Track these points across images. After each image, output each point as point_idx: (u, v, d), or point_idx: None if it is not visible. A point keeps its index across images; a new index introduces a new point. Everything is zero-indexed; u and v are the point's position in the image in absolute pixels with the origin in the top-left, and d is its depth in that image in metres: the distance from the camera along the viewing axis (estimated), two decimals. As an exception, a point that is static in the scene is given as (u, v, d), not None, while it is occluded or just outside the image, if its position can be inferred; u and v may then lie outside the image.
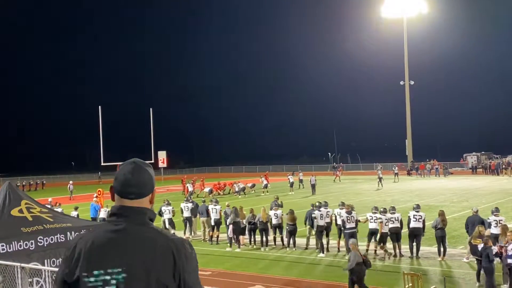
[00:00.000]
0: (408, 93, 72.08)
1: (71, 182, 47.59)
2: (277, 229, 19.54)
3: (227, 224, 19.93)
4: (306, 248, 18.67)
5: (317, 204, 19.27)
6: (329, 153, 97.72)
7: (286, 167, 75.99)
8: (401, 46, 72.77)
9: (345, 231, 17.14)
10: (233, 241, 19.59)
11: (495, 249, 12.99)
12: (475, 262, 13.94)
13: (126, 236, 2.37)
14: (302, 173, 50.04)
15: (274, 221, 19.36)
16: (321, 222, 18.20)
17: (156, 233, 2.43)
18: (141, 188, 2.47)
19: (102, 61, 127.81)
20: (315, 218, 18.30)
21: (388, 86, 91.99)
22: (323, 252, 17.88)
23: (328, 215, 18.63)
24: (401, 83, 72.74)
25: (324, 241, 18.33)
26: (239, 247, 19.45)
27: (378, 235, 17.19)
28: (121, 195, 2.46)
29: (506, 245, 12.77)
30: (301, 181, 46.27)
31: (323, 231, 18.27)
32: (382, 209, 17.66)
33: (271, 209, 20.21)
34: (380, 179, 45.25)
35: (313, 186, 39.82)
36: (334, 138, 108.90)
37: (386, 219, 17.07)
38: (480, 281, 13.66)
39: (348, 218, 17.11)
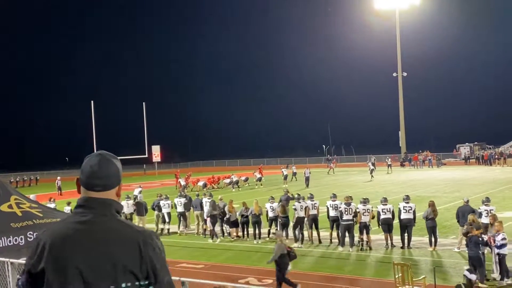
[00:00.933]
0: (401, 85, 72.24)
1: (59, 178, 47.38)
2: (273, 222, 19.60)
3: (205, 217, 20.39)
4: (311, 241, 18.72)
5: (296, 196, 19.45)
6: (324, 146, 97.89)
7: (281, 160, 76.08)
8: (394, 37, 72.86)
9: (342, 223, 17.22)
10: (214, 233, 20.05)
11: (485, 238, 13.12)
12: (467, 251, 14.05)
13: (92, 227, 2.38)
14: (295, 166, 50.08)
15: (270, 214, 19.40)
16: (301, 214, 18.38)
17: (122, 225, 2.44)
18: (107, 180, 2.47)
19: (94, 54, 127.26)
20: (295, 209, 18.49)
21: (381, 78, 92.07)
22: (301, 243, 18.25)
23: (315, 207, 18.71)
24: (394, 74, 72.90)
25: (314, 232, 18.51)
26: (212, 238, 19.97)
27: (358, 225, 17.37)
28: (87, 187, 2.47)
29: (496, 234, 12.89)
30: (294, 174, 46.29)
31: (303, 222, 18.43)
32: (361, 199, 17.80)
33: (280, 202, 19.98)
34: (371, 170, 45.36)
35: (307, 179, 39.87)
36: (329, 131, 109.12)
37: (363, 209, 17.20)
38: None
39: (347, 210, 17.15)
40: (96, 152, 2.55)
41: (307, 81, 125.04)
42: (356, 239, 17.60)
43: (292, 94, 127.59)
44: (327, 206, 18.67)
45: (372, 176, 44.57)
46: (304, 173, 40.63)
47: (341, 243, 17.34)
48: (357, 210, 17.39)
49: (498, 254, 12.66)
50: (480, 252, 12.63)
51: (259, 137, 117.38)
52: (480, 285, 12.44)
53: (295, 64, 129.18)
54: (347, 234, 17.28)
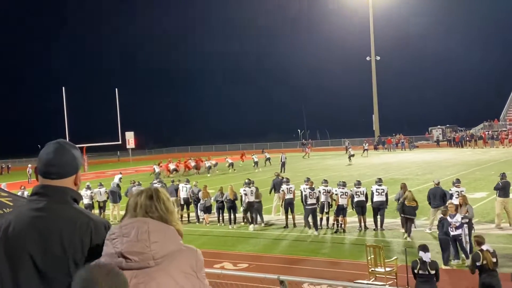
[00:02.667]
0: (374, 69, 72.76)
1: (29, 165, 46.59)
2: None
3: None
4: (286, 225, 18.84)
5: (246, 181, 19.55)
6: (299, 130, 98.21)
7: (256, 145, 76.17)
8: (367, 21, 73.19)
9: (306, 207, 17.43)
10: None
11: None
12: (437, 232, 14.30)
13: (46, 214, 2.37)
14: (265, 150, 49.94)
15: (244, 198, 19.38)
16: (251, 198, 18.72)
17: (76, 212, 2.43)
18: (62, 168, 2.46)
19: (66, 40, 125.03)
20: (245, 194, 18.84)
21: (355, 62, 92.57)
22: (255, 225, 18.72)
23: (290, 191, 18.82)
24: (367, 58, 73.34)
25: (290, 216, 18.68)
26: None
27: (335, 207, 17.65)
28: (43, 175, 2.46)
29: (452, 215, 13.13)
30: (268, 159, 46.09)
31: (253, 206, 18.70)
32: (342, 183, 18.03)
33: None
34: (350, 156, 45.01)
35: (283, 164, 39.83)
36: (303, 115, 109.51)
37: (341, 192, 17.46)
38: (406, 232, 15.66)
39: (311, 194, 17.36)
40: (54, 140, 2.53)
41: (281, 65, 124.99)
42: (331, 221, 17.87)
43: (266, 79, 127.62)
44: (300, 190, 18.76)
45: (350, 159, 44.26)
46: (281, 158, 40.58)
47: (314, 226, 17.49)
48: (335, 193, 17.67)
49: (453, 236, 12.93)
50: (449, 235, 12.90)
51: (234, 122, 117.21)
52: (442, 266, 12.73)
53: (268, 47, 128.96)
54: (315, 216, 17.56)
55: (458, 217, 12.99)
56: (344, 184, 17.83)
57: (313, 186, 17.72)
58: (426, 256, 9.53)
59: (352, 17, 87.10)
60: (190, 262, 2.31)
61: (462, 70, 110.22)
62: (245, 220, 19.51)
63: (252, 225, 18.80)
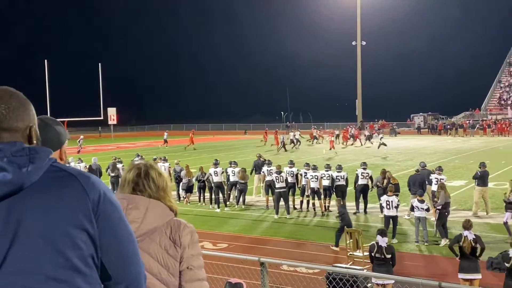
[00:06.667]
0: (359, 54, 72.80)
1: None
2: (233, 187, 19.67)
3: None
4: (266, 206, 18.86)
5: (214, 161, 19.58)
6: (282, 112, 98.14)
7: (239, 126, 76.07)
8: (354, 5, 72.98)
9: (275, 190, 17.51)
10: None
11: (426, 205, 13.88)
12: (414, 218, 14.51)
13: None
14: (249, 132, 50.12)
15: (231, 179, 19.37)
16: (216, 179, 18.79)
17: None
18: (46, 144, 2.34)
19: (49, 13, 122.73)
20: (210, 175, 18.96)
21: (341, 46, 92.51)
22: (218, 207, 18.79)
23: (271, 173, 18.78)
24: (353, 43, 73.30)
25: (270, 198, 18.78)
26: None
27: (309, 191, 17.79)
28: None
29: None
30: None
31: (219, 186, 18.79)
32: (312, 166, 18.16)
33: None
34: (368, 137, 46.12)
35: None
36: (287, 97, 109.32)
37: (311, 175, 17.62)
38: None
39: (277, 178, 17.42)
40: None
41: (267, 47, 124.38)
42: (311, 205, 18.01)
43: (251, 61, 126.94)
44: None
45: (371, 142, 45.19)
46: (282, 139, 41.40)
47: (275, 210, 17.55)
48: (306, 177, 17.82)
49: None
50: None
51: (218, 102, 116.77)
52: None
53: (253, 28, 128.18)
54: (286, 200, 17.64)
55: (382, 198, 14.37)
56: (315, 167, 17.94)
57: (280, 170, 17.79)
58: (383, 241, 9.68)
59: (340, 1, 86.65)
60: (174, 237, 2.26)
61: (445, 59, 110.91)
62: (212, 201, 19.50)
63: (218, 209, 18.85)
